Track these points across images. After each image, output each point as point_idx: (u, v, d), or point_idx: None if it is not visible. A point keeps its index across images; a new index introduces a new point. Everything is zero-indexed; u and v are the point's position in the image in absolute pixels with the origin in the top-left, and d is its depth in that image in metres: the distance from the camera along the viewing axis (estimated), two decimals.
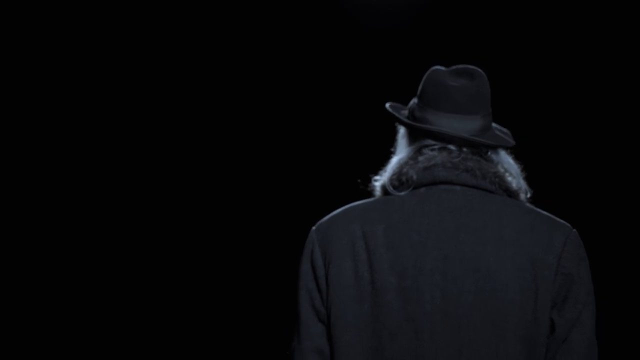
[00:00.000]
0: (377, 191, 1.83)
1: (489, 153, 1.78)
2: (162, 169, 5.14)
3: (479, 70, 1.86)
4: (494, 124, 1.87)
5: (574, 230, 1.74)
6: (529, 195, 1.79)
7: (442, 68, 1.82)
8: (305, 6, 5.09)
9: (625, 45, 4.95)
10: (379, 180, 1.84)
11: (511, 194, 1.73)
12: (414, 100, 1.84)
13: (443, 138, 1.75)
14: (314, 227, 1.78)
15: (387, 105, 1.89)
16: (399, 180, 1.76)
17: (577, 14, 4.98)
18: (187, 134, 5.16)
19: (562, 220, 1.73)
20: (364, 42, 5.09)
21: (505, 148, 1.81)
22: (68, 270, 5.07)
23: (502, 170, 1.76)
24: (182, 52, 5.11)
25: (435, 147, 1.75)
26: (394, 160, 1.84)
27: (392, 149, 1.91)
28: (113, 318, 5.10)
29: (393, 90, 5.15)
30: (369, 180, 1.94)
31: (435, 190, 1.69)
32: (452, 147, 1.74)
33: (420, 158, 1.75)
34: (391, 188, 1.77)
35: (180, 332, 5.15)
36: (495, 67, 5.09)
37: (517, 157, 1.94)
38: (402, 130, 1.87)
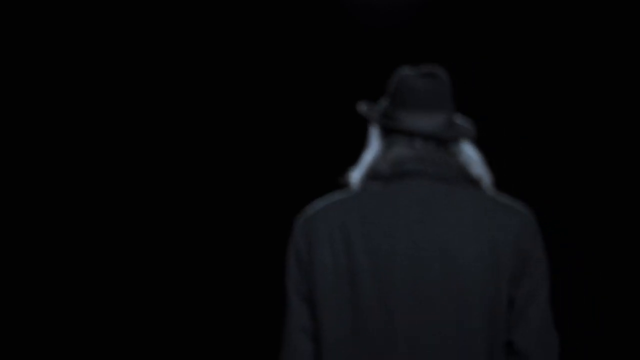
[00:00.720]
0: (353, 184, 2.00)
1: (452, 145, 1.95)
2: (161, 169, 5.15)
3: (441, 71, 2.00)
4: (458, 118, 2.03)
5: (530, 212, 1.92)
6: (489, 182, 1.96)
7: (409, 71, 1.99)
8: (305, 6, 5.09)
9: (621, 44, 4.95)
10: (354, 174, 2.02)
11: (473, 182, 1.92)
12: (384, 100, 2.03)
13: (411, 134, 1.93)
14: (298, 219, 1.97)
15: (360, 105, 2.07)
16: (373, 174, 1.95)
17: (576, 14, 4.98)
18: (187, 134, 5.17)
19: (519, 204, 1.92)
20: (364, 42, 5.09)
21: (467, 139, 1.99)
22: (68, 270, 5.08)
23: (463, 160, 1.93)
24: (182, 52, 5.11)
25: (404, 142, 1.94)
26: (367, 156, 2.02)
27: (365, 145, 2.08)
28: (112, 318, 5.11)
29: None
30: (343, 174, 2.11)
31: (404, 182, 1.89)
32: (418, 141, 1.93)
33: (391, 153, 1.94)
34: (366, 181, 1.96)
35: (179, 332, 5.15)
36: (495, 67, 5.10)
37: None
38: (373, 128, 2.04)
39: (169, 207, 5.16)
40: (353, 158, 5.11)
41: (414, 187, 1.88)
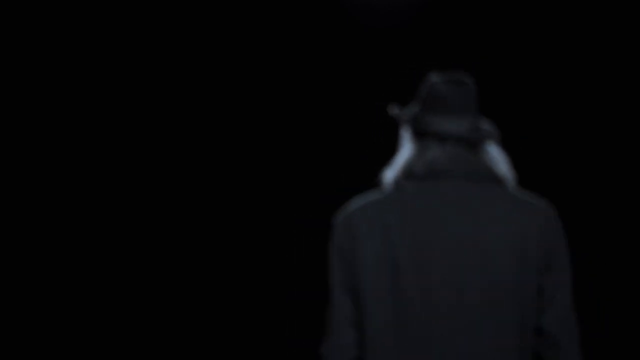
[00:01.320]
0: (387, 184, 2.15)
1: (479, 147, 2.12)
2: (161, 169, 5.15)
3: (468, 78, 2.17)
4: (483, 122, 2.18)
5: (552, 209, 2.10)
6: (513, 181, 2.12)
7: (439, 78, 2.16)
8: (305, 6, 5.09)
9: (621, 44, 4.96)
10: (388, 174, 2.16)
11: (498, 181, 2.09)
12: (415, 105, 2.18)
13: (442, 137, 2.09)
14: (337, 216, 2.12)
15: (391, 111, 2.22)
16: (408, 174, 2.10)
17: (576, 14, 4.98)
18: (187, 134, 5.17)
19: (542, 201, 2.09)
20: (364, 42, 5.09)
21: (492, 141, 2.15)
22: (68, 270, 5.08)
23: (490, 160, 2.11)
24: (183, 52, 5.11)
25: (436, 144, 2.10)
26: (401, 157, 2.16)
27: (397, 146, 2.25)
28: (112, 318, 5.11)
29: (393, 90, 5.16)
30: (372, 175, 2.24)
31: (438, 182, 2.05)
32: (449, 144, 2.09)
33: (425, 155, 2.09)
34: (401, 181, 2.10)
35: (178, 332, 5.15)
36: (495, 66, 5.10)
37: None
38: (405, 131, 2.19)
39: (168, 208, 5.16)
40: (353, 157, 5.12)
41: (447, 186, 2.04)
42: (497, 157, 2.13)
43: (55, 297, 5.07)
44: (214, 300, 5.15)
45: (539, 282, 2.01)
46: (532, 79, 5.05)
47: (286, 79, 5.15)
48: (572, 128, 5.04)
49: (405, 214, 2.02)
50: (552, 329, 2.00)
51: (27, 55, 5.01)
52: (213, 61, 5.14)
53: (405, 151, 2.15)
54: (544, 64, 5.04)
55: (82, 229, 5.09)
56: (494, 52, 5.03)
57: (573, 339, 2.03)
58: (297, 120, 5.18)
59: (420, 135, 2.13)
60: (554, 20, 5.00)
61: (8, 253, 5.02)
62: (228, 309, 5.15)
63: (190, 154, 5.16)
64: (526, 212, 2.03)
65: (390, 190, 2.11)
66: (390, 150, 5.15)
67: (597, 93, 5.02)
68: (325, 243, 5.10)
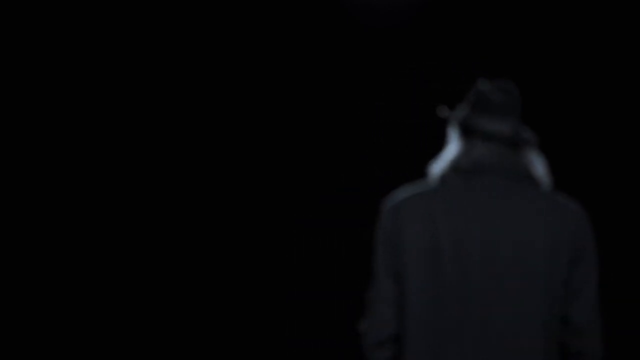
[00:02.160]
0: (434, 176, 2.34)
1: (520, 148, 2.32)
2: (161, 169, 5.15)
3: (513, 86, 2.37)
4: (523, 126, 2.39)
5: (583, 210, 2.28)
6: (549, 183, 2.33)
7: (487, 85, 2.37)
8: (306, 6, 5.09)
9: (622, 44, 4.97)
10: (436, 168, 2.35)
11: (535, 181, 2.29)
12: (463, 107, 2.38)
13: (488, 137, 2.29)
14: (386, 204, 2.32)
15: (442, 110, 2.41)
16: (455, 169, 2.29)
17: (576, 14, 4.99)
18: (187, 134, 5.17)
19: (574, 203, 2.28)
20: (364, 42, 5.10)
21: (531, 144, 2.37)
22: (68, 270, 5.08)
23: (529, 162, 2.31)
24: (182, 52, 5.12)
25: (482, 143, 2.29)
26: (448, 153, 2.35)
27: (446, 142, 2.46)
28: (112, 318, 5.11)
29: (393, 90, 5.17)
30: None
31: (482, 177, 2.25)
32: (494, 143, 2.29)
33: (471, 152, 2.29)
34: (448, 175, 2.29)
35: (178, 332, 5.15)
36: (495, 66, 5.11)
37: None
38: (453, 130, 2.39)
39: (168, 208, 5.16)
40: (353, 157, 5.12)
41: (490, 182, 2.24)
42: (535, 160, 2.33)
43: (55, 297, 5.07)
44: (214, 300, 5.15)
45: (567, 276, 2.19)
46: (532, 79, 5.05)
47: (286, 79, 5.16)
48: (570, 127, 5.05)
49: (450, 205, 2.21)
50: (577, 319, 2.19)
51: (27, 55, 5.00)
52: (213, 61, 5.14)
53: (453, 148, 2.34)
54: (544, 63, 5.05)
55: (82, 229, 5.09)
56: (494, 52, 5.04)
57: (596, 329, 2.22)
58: (297, 120, 5.18)
59: (467, 134, 2.33)
60: (554, 20, 5.01)
61: (8, 253, 5.02)
62: (228, 309, 5.15)
63: (190, 154, 5.16)
64: (559, 212, 2.22)
65: (436, 183, 2.30)
66: (390, 150, 5.16)
67: (597, 93, 5.03)
68: (325, 243, 5.10)
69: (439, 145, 5.01)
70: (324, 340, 5.13)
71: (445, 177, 2.29)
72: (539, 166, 2.32)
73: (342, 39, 5.11)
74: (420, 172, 5.05)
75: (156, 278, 5.14)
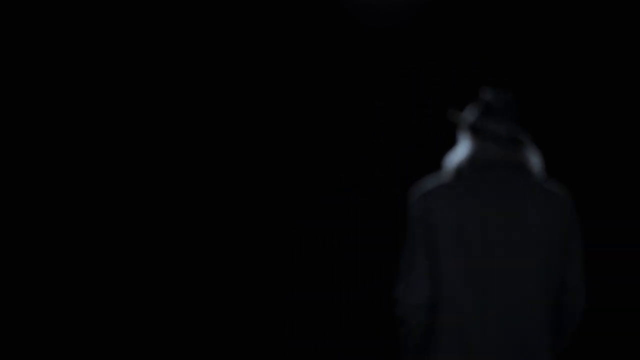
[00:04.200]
0: (449, 171, 2.80)
1: (521, 146, 2.80)
2: (161, 169, 5.16)
3: (512, 94, 2.82)
4: (519, 127, 2.87)
5: (569, 195, 2.77)
6: (543, 173, 2.84)
7: (491, 93, 2.85)
8: (306, 6, 5.10)
9: (622, 44, 4.97)
10: (450, 164, 2.82)
11: (532, 172, 2.79)
12: (471, 111, 2.84)
13: (496, 136, 2.78)
14: (416, 194, 2.79)
15: (453, 114, 2.83)
16: (470, 164, 2.78)
17: (575, 13, 5.00)
18: (187, 134, 5.18)
19: (562, 189, 2.80)
20: (364, 42, 5.10)
21: (529, 142, 2.84)
22: (68, 270, 5.09)
23: (527, 157, 2.80)
24: (182, 52, 5.12)
25: (491, 142, 2.78)
26: (460, 151, 2.82)
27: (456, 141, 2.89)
28: (112, 318, 5.12)
29: (393, 90, 5.17)
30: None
31: (491, 171, 2.76)
32: (501, 142, 2.78)
33: (482, 150, 2.79)
34: (466, 168, 2.77)
35: (178, 332, 5.16)
36: (494, 65, 5.11)
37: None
38: (463, 131, 2.85)
39: (168, 208, 5.17)
40: (353, 157, 5.12)
41: (498, 174, 2.75)
42: (532, 155, 2.81)
43: (55, 297, 5.08)
44: (214, 300, 5.16)
45: (563, 247, 2.76)
46: (532, 78, 5.06)
47: (286, 79, 5.17)
48: (570, 126, 5.06)
49: (469, 193, 2.72)
50: (569, 279, 2.79)
51: (27, 55, 5.02)
52: (213, 61, 5.15)
53: (464, 147, 2.81)
54: (544, 63, 5.06)
55: (82, 228, 5.10)
56: (494, 52, 5.05)
57: (582, 288, 2.83)
58: (297, 120, 5.19)
59: (477, 135, 2.80)
60: (554, 20, 5.02)
61: (8, 253, 5.04)
62: (228, 309, 5.16)
63: (190, 154, 5.17)
64: (552, 198, 2.76)
65: (455, 175, 2.78)
66: (390, 150, 5.16)
67: (596, 92, 5.04)
68: (325, 243, 5.11)
69: (439, 145, 5.01)
70: (324, 340, 5.14)
71: (462, 171, 2.79)
72: (535, 160, 2.82)
73: (342, 39, 5.11)
74: (420, 172, 5.05)
75: (156, 278, 5.15)
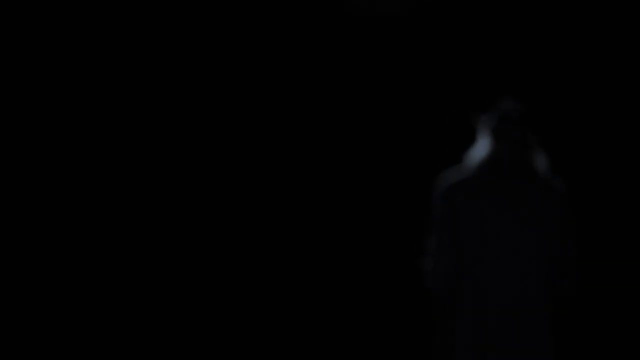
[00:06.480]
0: (471, 166, 3.28)
1: (529, 147, 3.31)
2: (161, 169, 5.16)
3: (523, 105, 3.37)
4: (530, 133, 3.42)
5: (564, 186, 3.33)
6: (548, 172, 3.34)
7: (507, 104, 3.36)
8: (306, 6, 5.10)
9: (622, 44, 4.97)
10: (471, 160, 3.30)
11: (540, 171, 3.30)
12: (490, 116, 3.37)
13: (510, 141, 3.28)
14: (440, 186, 3.26)
15: (474, 118, 3.40)
16: (489, 161, 3.27)
17: (576, 14, 5.00)
18: (187, 134, 5.18)
19: (559, 182, 3.32)
20: (364, 40, 5.11)
21: (537, 145, 3.38)
22: (68, 270, 5.09)
23: (535, 158, 3.30)
24: (182, 52, 5.13)
25: (508, 145, 3.28)
26: (480, 150, 3.30)
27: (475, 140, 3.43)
28: (112, 317, 5.12)
29: (392, 89, 5.17)
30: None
31: (507, 167, 3.27)
32: (516, 144, 3.28)
33: (498, 150, 3.28)
34: (486, 165, 3.26)
35: (178, 332, 5.17)
36: (494, 65, 5.11)
37: None
38: (483, 133, 3.33)
39: (168, 208, 5.17)
40: (353, 157, 5.12)
41: (512, 171, 3.25)
42: (539, 156, 3.31)
43: (56, 296, 5.08)
44: (214, 300, 5.16)
45: (559, 230, 3.28)
46: (532, 77, 5.06)
47: (286, 78, 5.17)
48: (569, 125, 5.06)
49: (488, 187, 3.23)
50: (565, 255, 3.29)
51: (27, 55, 5.02)
52: (212, 59, 5.15)
53: (483, 146, 3.30)
54: (544, 61, 5.06)
55: (82, 228, 5.11)
56: (494, 51, 5.05)
57: (574, 263, 3.33)
58: (297, 120, 5.19)
59: (496, 138, 3.29)
60: (554, 18, 5.02)
61: (8, 253, 5.04)
62: (228, 309, 5.16)
63: (190, 154, 5.17)
64: (553, 192, 3.29)
65: (475, 170, 3.27)
66: (390, 150, 5.16)
67: (596, 92, 5.05)
68: (325, 243, 5.12)
69: (438, 145, 5.01)
70: (324, 340, 5.14)
71: (483, 167, 3.29)
72: (541, 160, 3.32)
73: (342, 38, 5.12)
74: (419, 171, 5.05)
75: (156, 278, 5.15)
